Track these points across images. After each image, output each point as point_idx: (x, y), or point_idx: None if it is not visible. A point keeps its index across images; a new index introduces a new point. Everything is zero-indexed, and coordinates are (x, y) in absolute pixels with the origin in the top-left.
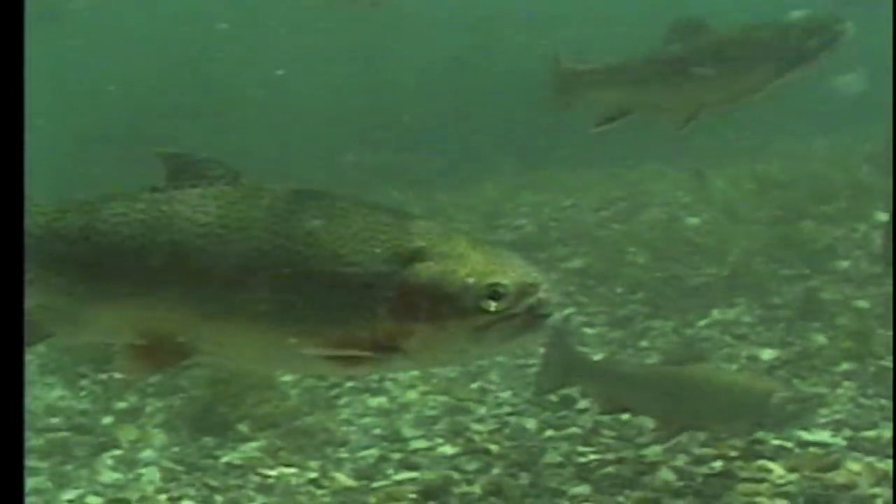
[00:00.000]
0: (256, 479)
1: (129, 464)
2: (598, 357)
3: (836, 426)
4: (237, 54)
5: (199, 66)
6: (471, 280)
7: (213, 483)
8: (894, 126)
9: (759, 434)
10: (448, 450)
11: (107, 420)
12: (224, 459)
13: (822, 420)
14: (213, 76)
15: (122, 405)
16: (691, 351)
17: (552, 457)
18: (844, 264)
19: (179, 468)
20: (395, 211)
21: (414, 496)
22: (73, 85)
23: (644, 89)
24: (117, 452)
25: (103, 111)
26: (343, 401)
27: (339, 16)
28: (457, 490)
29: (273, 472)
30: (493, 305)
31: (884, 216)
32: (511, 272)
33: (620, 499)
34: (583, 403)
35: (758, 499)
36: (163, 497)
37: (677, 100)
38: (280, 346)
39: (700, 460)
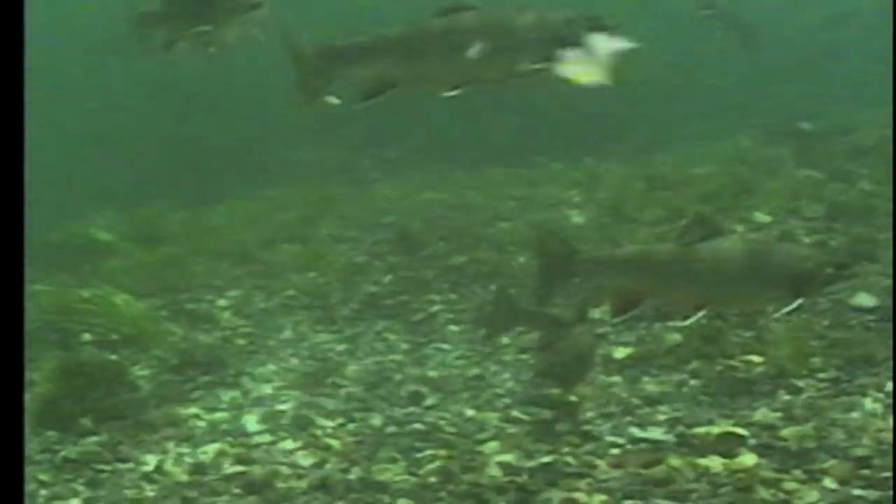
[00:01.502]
0: (89, 473)
1: None
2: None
3: (672, 424)
4: None
5: None
6: None
7: (44, 478)
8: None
9: (593, 428)
10: (289, 445)
11: None
12: (62, 454)
13: (661, 417)
14: None
15: None
16: (707, 227)
17: (387, 452)
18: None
19: None
20: None
21: (238, 490)
22: None
23: (403, 64)
24: None
25: None
26: (196, 395)
27: None
28: (282, 484)
29: (108, 467)
30: None
31: (764, 217)
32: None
33: (443, 493)
34: (430, 400)
35: (577, 494)
36: None
37: (440, 74)
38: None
39: (530, 455)
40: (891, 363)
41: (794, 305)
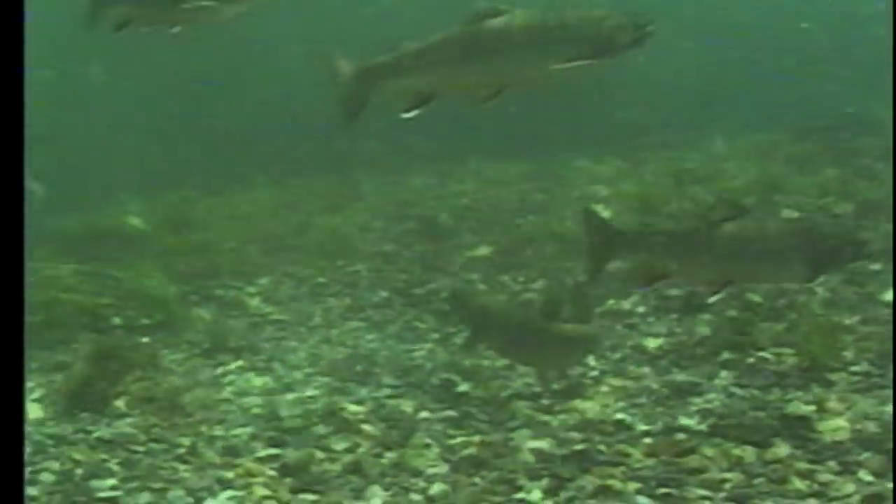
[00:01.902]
0: (123, 454)
1: None
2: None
3: (704, 414)
4: None
5: None
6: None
7: (78, 457)
8: (895, 131)
9: (625, 417)
10: (321, 429)
11: None
12: (95, 435)
13: (693, 408)
14: None
15: None
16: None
17: (420, 438)
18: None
19: (49, 442)
20: None
21: (273, 473)
22: None
23: (440, 73)
24: None
25: None
26: (227, 379)
27: None
28: (316, 468)
29: (142, 448)
30: None
31: (792, 213)
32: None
33: (476, 479)
34: (462, 388)
35: (611, 482)
36: (26, 470)
37: (475, 81)
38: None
39: (562, 443)
40: None
41: (817, 281)
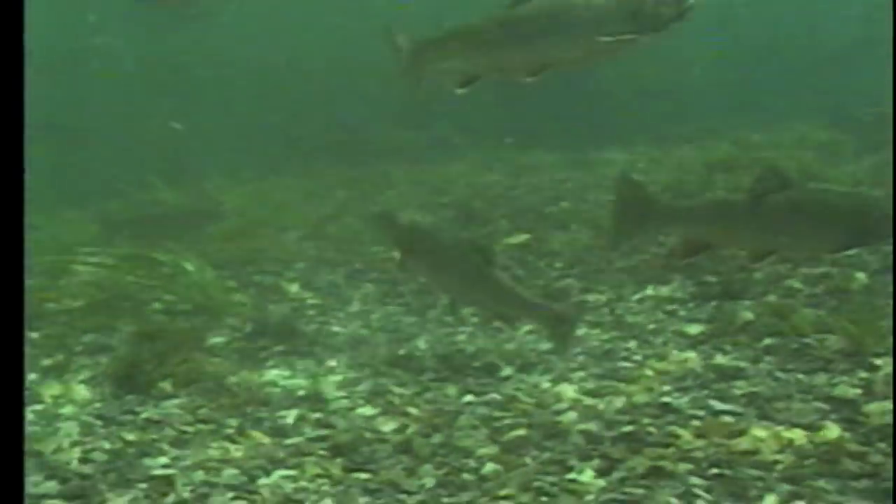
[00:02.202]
0: (172, 433)
1: (48, 418)
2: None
3: (751, 398)
4: None
5: None
6: None
7: (129, 437)
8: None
9: (672, 400)
10: (367, 411)
11: (31, 377)
12: (143, 415)
13: (738, 391)
14: None
15: (47, 362)
16: (776, 178)
17: (467, 420)
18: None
19: (98, 423)
20: None
21: (324, 452)
22: None
23: (489, 52)
24: (38, 407)
25: None
26: (271, 363)
27: None
28: (366, 448)
29: (190, 428)
30: None
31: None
32: None
33: (527, 459)
34: (506, 371)
35: (662, 463)
36: (76, 449)
37: (523, 60)
38: None
39: (611, 425)
40: None
41: (856, 250)
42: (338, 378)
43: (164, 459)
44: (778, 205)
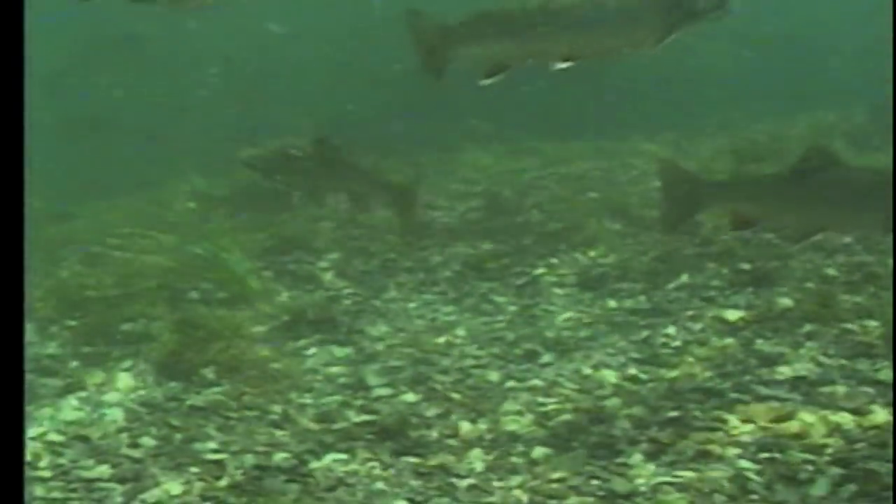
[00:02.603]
0: (218, 420)
1: (93, 405)
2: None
3: (795, 383)
4: None
5: None
6: None
7: (175, 423)
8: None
9: (714, 385)
10: (410, 397)
11: (74, 364)
12: (188, 402)
13: (782, 377)
14: None
15: (89, 350)
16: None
17: (512, 405)
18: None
19: (143, 409)
20: None
21: (371, 436)
22: None
23: (521, 40)
24: (82, 394)
25: None
26: (310, 351)
27: None
28: (413, 433)
29: (235, 415)
30: None
31: None
32: None
33: (575, 444)
34: (546, 358)
35: (710, 447)
36: (124, 435)
37: (554, 49)
38: None
39: (655, 410)
40: None
41: None
42: (378, 365)
43: (212, 444)
44: (828, 180)
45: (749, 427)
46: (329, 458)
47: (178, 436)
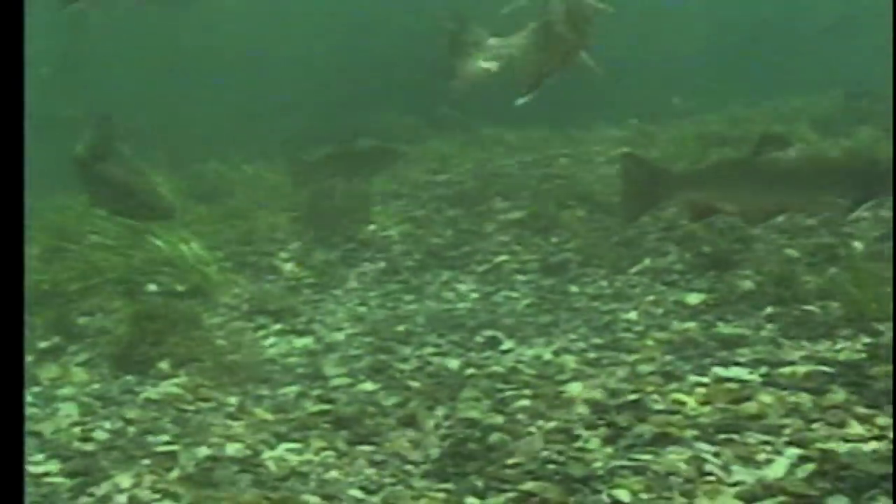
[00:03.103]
0: (173, 412)
1: (46, 400)
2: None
3: (755, 364)
4: None
5: None
6: None
7: (129, 416)
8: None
9: (674, 368)
10: (369, 386)
11: (28, 359)
12: (143, 395)
13: (742, 359)
14: None
15: (44, 345)
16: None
17: (471, 392)
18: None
19: (97, 403)
20: None
21: (327, 426)
22: None
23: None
24: (36, 389)
25: None
26: (269, 341)
27: None
28: (370, 421)
29: (191, 407)
30: None
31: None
32: None
33: (533, 429)
34: (506, 345)
35: (669, 429)
36: (77, 430)
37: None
38: None
39: (615, 394)
40: None
41: (865, 207)
42: (337, 355)
43: (165, 437)
44: (786, 161)
45: (708, 409)
46: (282, 447)
47: (132, 429)
